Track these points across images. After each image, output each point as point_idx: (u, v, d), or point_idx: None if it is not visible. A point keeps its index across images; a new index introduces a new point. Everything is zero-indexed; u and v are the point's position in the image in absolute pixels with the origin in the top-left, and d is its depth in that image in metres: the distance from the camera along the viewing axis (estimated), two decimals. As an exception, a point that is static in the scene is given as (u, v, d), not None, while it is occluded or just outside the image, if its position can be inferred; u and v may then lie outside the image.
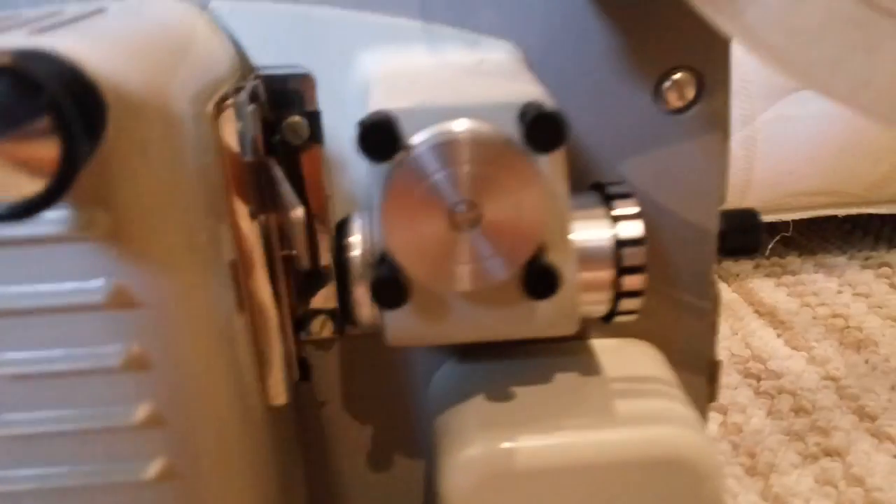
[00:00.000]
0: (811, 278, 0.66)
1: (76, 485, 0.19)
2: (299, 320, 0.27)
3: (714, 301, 0.30)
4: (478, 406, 0.27)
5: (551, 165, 0.21)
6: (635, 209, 0.24)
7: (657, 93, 0.26)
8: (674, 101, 0.26)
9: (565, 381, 0.28)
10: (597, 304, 0.24)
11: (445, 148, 0.19)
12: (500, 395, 0.28)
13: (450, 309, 0.23)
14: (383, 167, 0.20)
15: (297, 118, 0.24)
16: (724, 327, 0.59)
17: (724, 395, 0.51)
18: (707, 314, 0.30)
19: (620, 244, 0.23)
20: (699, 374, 0.31)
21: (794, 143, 0.58)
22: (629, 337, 0.31)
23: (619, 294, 0.24)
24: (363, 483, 0.31)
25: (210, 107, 0.20)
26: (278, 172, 0.21)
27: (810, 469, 0.44)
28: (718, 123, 0.27)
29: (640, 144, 0.27)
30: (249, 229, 0.22)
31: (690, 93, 0.26)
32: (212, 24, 0.23)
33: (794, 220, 0.68)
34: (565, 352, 0.30)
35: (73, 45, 0.15)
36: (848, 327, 0.58)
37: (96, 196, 0.17)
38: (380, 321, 0.23)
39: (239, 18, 0.24)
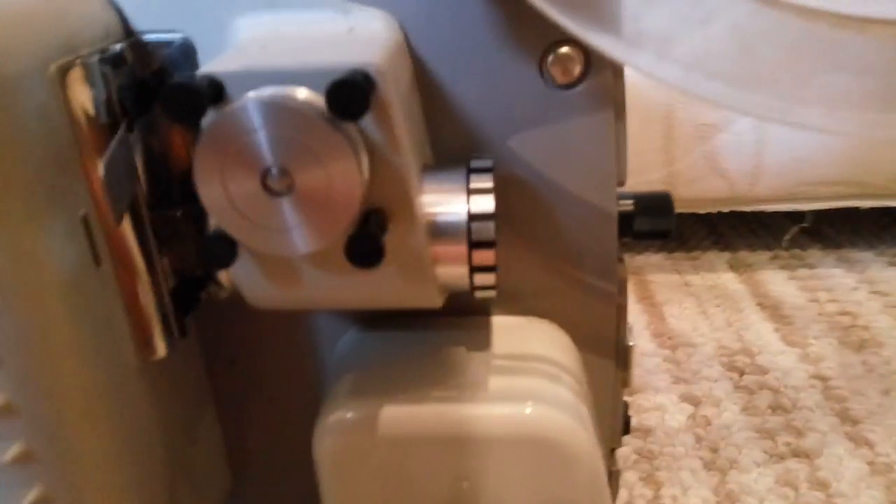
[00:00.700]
0: (829, 273, 0.62)
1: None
2: (200, 281, 0.28)
3: (619, 284, 0.29)
4: (361, 374, 0.28)
5: (381, 134, 0.21)
6: (489, 184, 0.24)
7: (542, 68, 0.26)
8: (559, 76, 0.25)
9: (454, 354, 0.28)
10: (456, 279, 0.24)
11: (259, 109, 0.20)
12: (386, 364, 0.28)
13: (304, 274, 0.24)
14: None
15: (177, 84, 0.25)
16: (720, 318, 0.57)
17: (701, 387, 0.49)
18: (612, 297, 0.29)
19: (471, 218, 0.23)
20: (607, 358, 0.31)
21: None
22: (535, 316, 0.30)
23: (472, 269, 0.24)
24: (275, 440, 0.32)
25: (53, 68, 0.21)
26: (123, 135, 0.22)
27: (773, 469, 0.42)
28: (608, 101, 0.26)
29: (528, 121, 0.26)
30: (108, 188, 0.23)
31: (576, 68, 0.25)
32: (92, -9, 0.24)
33: (817, 211, 0.64)
34: (463, 326, 0.30)
35: None
36: (854, 326, 0.55)
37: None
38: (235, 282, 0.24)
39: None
